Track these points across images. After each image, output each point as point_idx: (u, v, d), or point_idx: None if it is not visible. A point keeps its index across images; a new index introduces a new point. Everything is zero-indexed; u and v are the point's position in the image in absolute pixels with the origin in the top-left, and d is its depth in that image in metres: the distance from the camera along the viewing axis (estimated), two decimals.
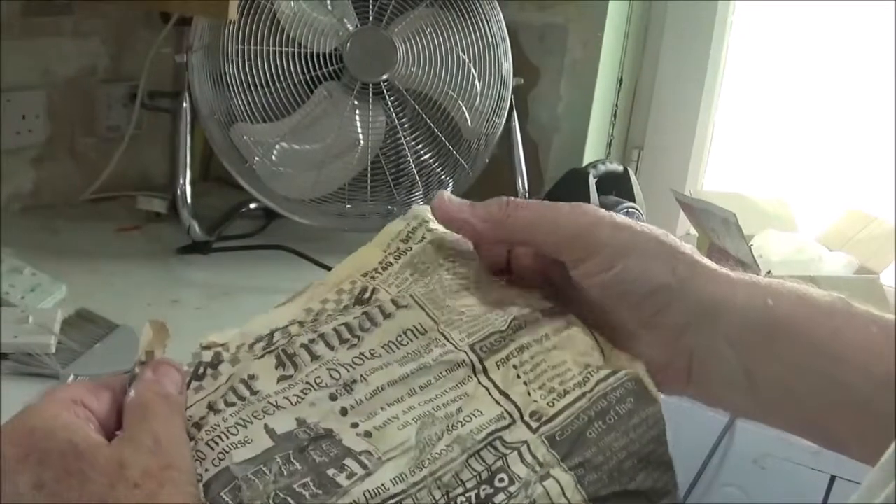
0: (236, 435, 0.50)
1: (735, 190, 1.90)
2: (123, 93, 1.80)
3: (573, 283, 0.57)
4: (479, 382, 0.53)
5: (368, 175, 1.56)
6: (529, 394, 0.53)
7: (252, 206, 1.70)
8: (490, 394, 0.53)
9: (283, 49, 1.48)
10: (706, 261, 0.56)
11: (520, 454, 0.51)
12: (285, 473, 0.49)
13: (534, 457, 0.51)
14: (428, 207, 0.61)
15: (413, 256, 0.58)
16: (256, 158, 1.51)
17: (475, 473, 0.50)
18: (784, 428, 0.58)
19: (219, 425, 0.50)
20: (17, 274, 1.37)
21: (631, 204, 1.70)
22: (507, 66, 1.63)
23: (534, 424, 0.52)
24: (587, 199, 1.63)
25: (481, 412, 0.52)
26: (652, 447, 0.53)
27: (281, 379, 0.52)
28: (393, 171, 1.58)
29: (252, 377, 0.52)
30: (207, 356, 0.54)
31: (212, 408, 0.51)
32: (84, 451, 0.47)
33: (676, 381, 0.57)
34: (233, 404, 0.51)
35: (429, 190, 1.62)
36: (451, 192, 1.59)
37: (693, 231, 1.82)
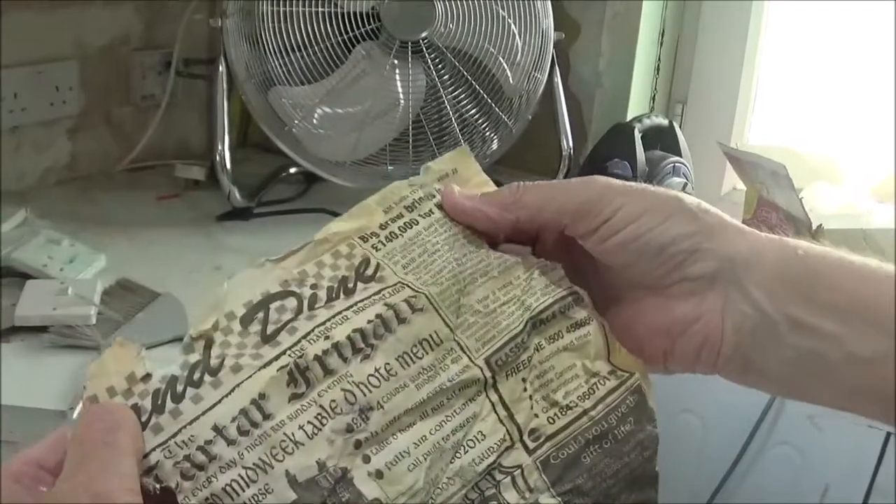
0: (256, 482, 0.47)
1: (781, 144, 1.87)
2: (158, 61, 1.79)
3: (595, 262, 0.55)
4: (488, 397, 0.52)
5: (410, 135, 1.53)
6: (532, 407, 0.52)
7: (292, 170, 1.69)
8: (495, 410, 0.52)
9: (320, 9, 1.45)
10: (731, 219, 0.54)
11: (513, 480, 0.51)
12: None
13: (526, 483, 0.51)
14: (433, 170, 0.58)
15: (419, 233, 0.55)
16: (296, 121, 1.49)
17: (469, 503, 0.50)
18: (831, 399, 0.53)
19: (234, 462, 0.47)
20: (55, 245, 1.37)
21: (677, 158, 1.66)
22: (548, 20, 1.60)
23: (531, 445, 0.52)
24: (632, 155, 1.60)
25: (484, 436, 0.51)
26: (642, 468, 0.53)
27: (293, 398, 0.48)
28: (435, 131, 1.55)
29: (263, 396, 0.48)
30: (199, 349, 0.49)
31: (220, 432, 0.47)
32: None
33: (710, 343, 0.53)
34: (246, 433, 0.47)
35: (472, 149, 1.59)
36: (495, 150, 1.59)
37: (740, 186, 1.79)
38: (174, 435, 0.47)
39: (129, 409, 0.47)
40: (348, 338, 0.50)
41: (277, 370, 0.48)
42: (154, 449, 0.47)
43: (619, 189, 0.53)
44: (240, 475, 0.47)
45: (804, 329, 0.51)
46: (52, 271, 1.31)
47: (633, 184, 0.54)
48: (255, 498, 0.46)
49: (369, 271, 0.53)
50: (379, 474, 0.48)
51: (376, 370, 0.50)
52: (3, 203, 1.51)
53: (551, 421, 0.52)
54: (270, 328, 0.50)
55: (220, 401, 0.48)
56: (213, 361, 0.49)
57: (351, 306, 0.51)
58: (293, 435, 0.47)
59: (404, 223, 0.55)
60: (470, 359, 0.51)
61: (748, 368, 0.53)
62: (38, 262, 1.32)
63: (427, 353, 0.51)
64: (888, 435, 1.55)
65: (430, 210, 0.56)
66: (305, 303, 0.51)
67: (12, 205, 1.51)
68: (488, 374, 0.51)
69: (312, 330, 0.50)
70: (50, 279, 1.29)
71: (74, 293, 1.21)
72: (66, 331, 1.17)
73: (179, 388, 0.48)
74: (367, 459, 0.48)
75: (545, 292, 0.54)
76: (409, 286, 0.52)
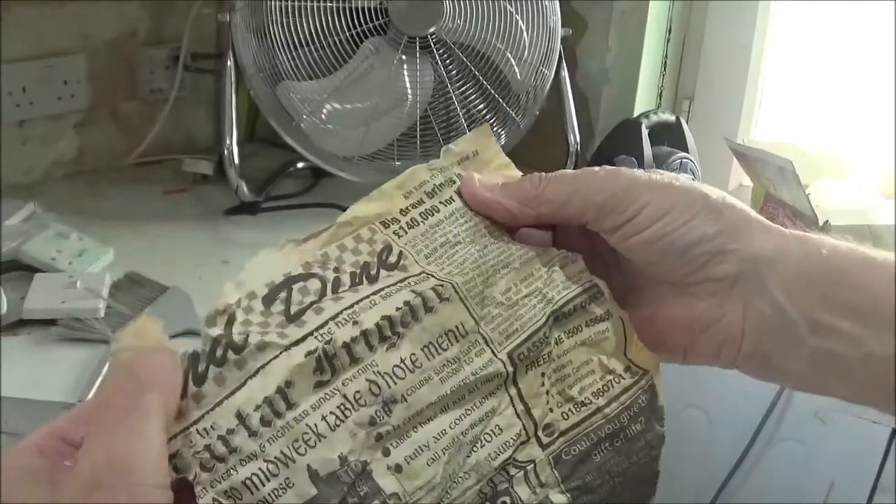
0: (277, 476, 0.45)
1: (787, 140, 1.87)
2: (165, 55, 1.79)
3: (617, 252, 0.55)
4: (507, 391, 0.51)
5: (418, 131, 1.53)
6: (548, 402, 0.52)
7: (299, 165, 1.69)
8: (513, 404, 0.51)
9: (328, 4, 1.45)
10: (756, 214, 0.53)
11: (525, 474, 0.51)
12: None
13: (537, 478, 0.51)
14: (454, 152, 0.57)
15: (440, 222, 0.54)
16: (304, 116, 1.49)
17: (482, 497, 0.50)
18: (847, 395, 0.53)
19: (255, 455, 0.45)
20: (63, 239, 1.37)
21: (684, 154, 1.67)
22: (555, 17, 1.60)
23: (545, 440, 0.52)
24: (640, 151, 1.60)
25: (501, 430, 0.51)
26: (647, 468, 0.54)
27: (317, 385, 0.46)
28: (443, 126, 1.55)
29: (289, 384, 0.46)
30: (221, 324, 0.47)
31: (243, 421, 0.45)
32: None
33: (731, 341, 0.53)
34: (269, 423, 0.45)
35: None
36: (502, 146, 1.58)
37: (746, 182, 1.79)
38: (196, 421, 0.45)
39: (164, 360, 0.45)
40: (377, 325, 0.48)
41: (306, 355, 0.47)
42: (175, 436, 0.45)
43: (644, 184, 0.53)
44: (260, 468, 0.45)
45: (823, 330, 0.51)
46: (61, 265, 1.31)
47: (658, 177, 0.53)
48: (276, 493, 0.45)
49: (392, 259, 0.51)
50: (398, 468, 0.47)
51: (402, 361, 0.48)
52: (11, 197, 1.51)
53: (565, 416, 0.52)
54: (294, 308, 0.48)
55: (244, 383, 0.46)
56: (237, 338, 0.47)
57: (377, 291, 0.50)
58: (316, 427, 0.46)
59: (425, 210, 0.54)
60: (493, 353, 0.50)
61: (767, 366, 0.53)
62: (46, 256, 1.32)
63: (452, 345, 0.49)
64: (894, 431, 1.55)
65: (451, 197, 0.55)
66: (329, 286, 0.50)
67: (20, 198, 1.52)
68: (510, 369, 0.51)
69: (341, 312, 0.48)
70: (58, 272, 1.29)
71: (83, 286, 1.21)
72: (75, 324, 1.17)
73: (201, 367, 0.46)
74: (386, 453, 0.47)
75: (566, 286, 0.53)
76: (433, 276, 0.51)
